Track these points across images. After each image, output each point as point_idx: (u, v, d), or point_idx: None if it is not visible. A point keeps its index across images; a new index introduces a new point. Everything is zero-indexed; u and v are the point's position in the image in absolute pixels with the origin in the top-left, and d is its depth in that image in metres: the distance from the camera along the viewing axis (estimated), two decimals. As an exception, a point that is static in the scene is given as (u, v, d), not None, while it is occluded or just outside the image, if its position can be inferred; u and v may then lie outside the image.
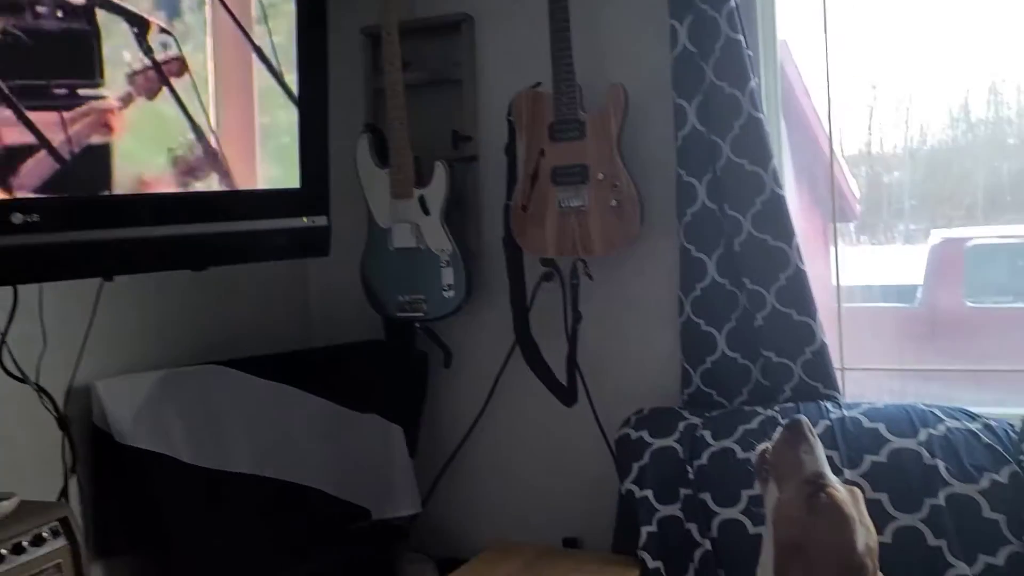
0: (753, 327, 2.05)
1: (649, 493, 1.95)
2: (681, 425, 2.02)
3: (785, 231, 2.00)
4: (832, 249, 2.20)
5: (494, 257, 2.34)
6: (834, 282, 2.17)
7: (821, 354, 2.01)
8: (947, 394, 2.08)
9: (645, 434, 2.03)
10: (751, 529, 1.82)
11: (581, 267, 2.21)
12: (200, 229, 1.64)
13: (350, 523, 2.25)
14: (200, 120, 1.68)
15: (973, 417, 1.82)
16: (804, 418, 1.38)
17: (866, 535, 1.31)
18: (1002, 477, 1.69)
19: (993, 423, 1.80)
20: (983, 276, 2.51)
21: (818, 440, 1.37)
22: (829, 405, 1.94)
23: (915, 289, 2.56)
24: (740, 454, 1.90)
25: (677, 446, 1.98)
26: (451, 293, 2.31)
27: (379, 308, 2.38)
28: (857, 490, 1.35)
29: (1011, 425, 1.79)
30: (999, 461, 1.71)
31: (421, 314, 2.35)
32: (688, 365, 2.14)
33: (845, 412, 1.89)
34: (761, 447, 1.44)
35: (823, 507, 1.30)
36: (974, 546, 1.65)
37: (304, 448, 2.19)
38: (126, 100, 1.55)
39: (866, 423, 1.85)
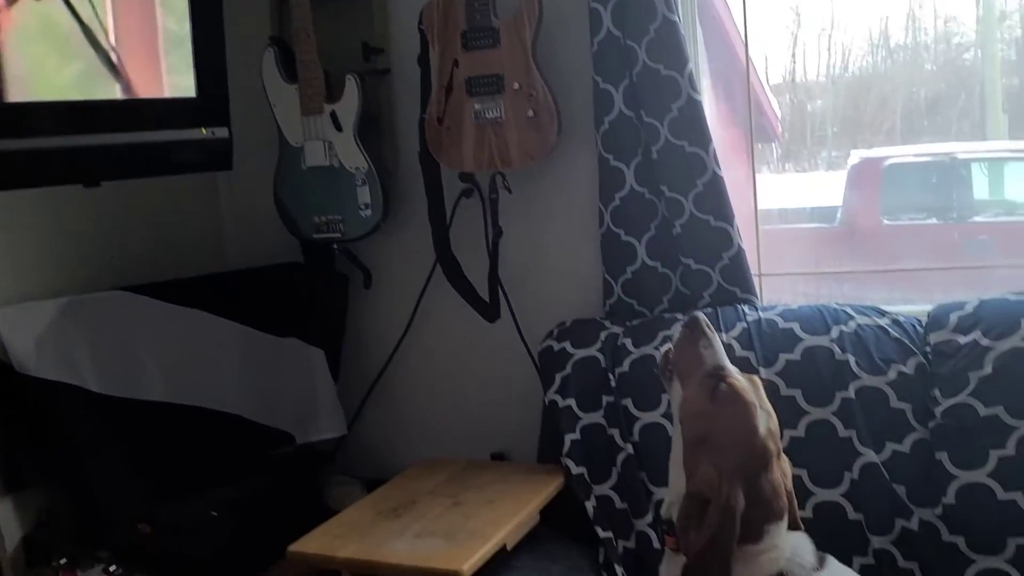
0: (672, 235, 2.06)
1: (572, 402, 1.96)
2: (603, 335, 2.03)
3: (702, 137, 1.99)
4: (751, 161, 2.21)
5: (411, 174, 2.28)
6: (752, 189, 2.19)
7: (738, 259, 2.02)
8: (860, 296, 2.13)
9: (567, 345, 2.03)
10: (670, 431, 1.85)
11: (500, 181, 2.17)
12: (91, 140, 1.55)
13: (273, 449, 2.22)
14: (93, 24, 1.57)
15: (883, 314, 1.87)
16: (701, 314, 1.40)
17: (767, 419, 1.34)
18: (908, 368, 1.74)
19: (901, 319, 1.85)
20: (899, 194, 2.57)
21: (716, 334, 1.39)
22: (746, 308, 1.97)
23: (836, 211, 2.61)
24: (645, 350, 1.93)
25: (599, 355, 1.99)
26: (368, 212, 2.26)
27: (294, 230, 2.31)
28: (756, 378, 1.39)
29: (918, 320, 1.84)
30: (906, 353, 1.77)
31: (338, 235, 2.29)
32: (609, 276, 2.14)
33: (761, 314, 1.92)
34: (664, 348, 1.45)
35: (724, 397, 1.33)
36: (882, 435, 1.71)
37: (221, 375, 2.13)
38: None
39: (781, 324, 1.88)
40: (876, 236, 2.59)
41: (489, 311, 2.25)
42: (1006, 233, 2.32)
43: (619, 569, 1.78)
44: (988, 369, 1.64)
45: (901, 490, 1.67)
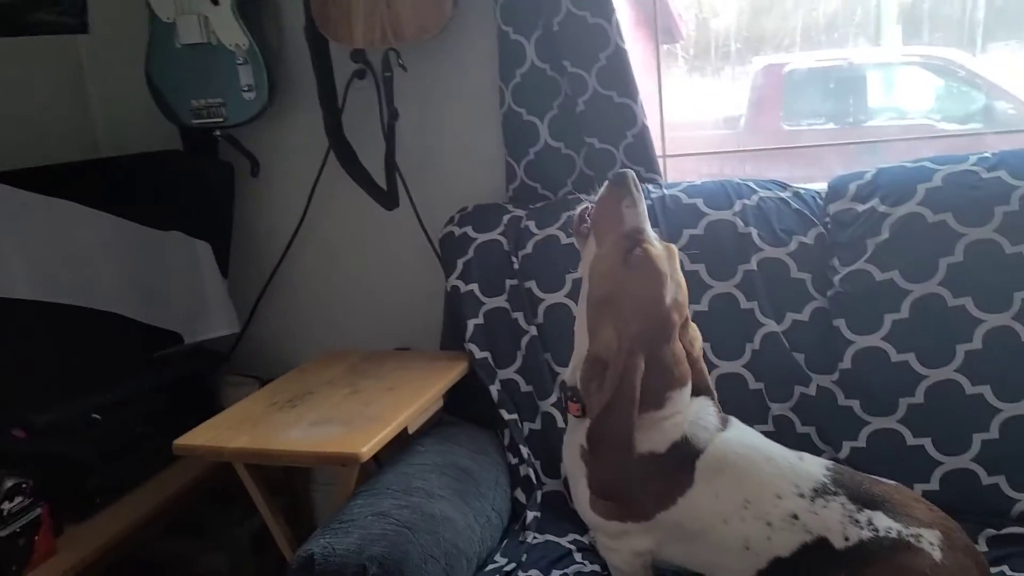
0: (575, 113, 1.98)
1: (475, 287, 1.90)
2: (506, 218, 1.96)
3: (604, 8, 1.90)
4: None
5: (298, 52, 2.12)
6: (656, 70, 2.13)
7: (642, 137, 1.97)
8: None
9: (469, 230, 1.96)
10: (575, 311, 1.81)
11: (394, 58, 2.04)
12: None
13: (159, 348, 2.09)
14: None
15: (785, 187, 1.86)
16: (631, 172, 1.34)
17: (675, 290, 1.31)
18: (808, 239, 1.74)
19: (802, 191, 1.84)
20: (799, 100, 2.56)
21: (642, 196, 1.33)
22: (650, 187, 1.92)
23: (739, 119, 2.59)
24: (564, 240, 1.87)
25: (502, 239, 1.93)
26: (252, 95, 2.10)
27: (170, 115, 2.14)
28: (673, 247, 1.34)
29: (818, 193, 1.84)
30: (807, 224, 1.77)
31: (220, 120, 2.13)
32: (512, 159, 2.06)
33: (665, 191, 1.89)
34: (584, 203, 1.39)
35: (636, 262, 1.28)
36: (783, 305, 1.72)
37: (96, 271, 1.97)
38: None
39: (684, 199, 1.85)
40: (777, 141, 2.59)
41: (387, 199, 2.14)
42: (898, 135, 2.36)
43: (524, 449, 1.76)
44: (885, 235, 1.65)
45: (800, 358, 1.69)
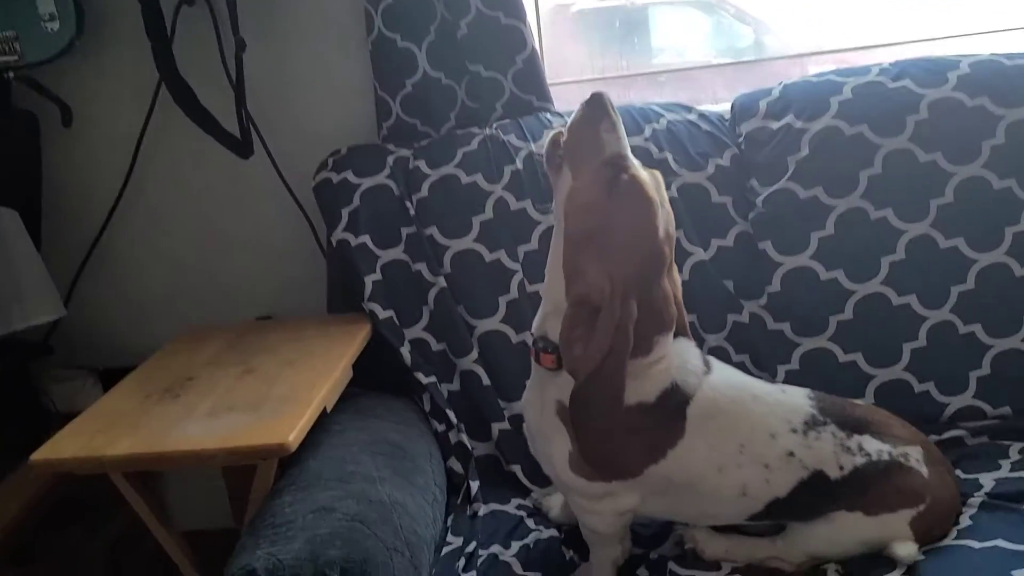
0: (456, 38, 1.77)
1: (367, 239, 1.66)
2: (390, 160, 1.73)
3: (483, -84, 1.71)
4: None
5: (111, -31, 1.75)
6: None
7: (532, 62, 1.80)
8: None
9: (350, 175, 1.71)
10: (488, 256, 1.65)
11: (237, -24, 1.73)
12: None
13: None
14: None
15: (689, 109, 1.77)
16: (605, 92, 1.17)
17: (666, 220, 1.17)
18: (725, 161, 1.68)
19: (707, 112, 1.77)
20: (588, 41, 2.50)
21: (619, 117, 1.17)
22: (549, 116, 1.77)
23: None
24: (465, 179, 1.68)
25: (390, 183, 1.70)
26: (55, 25, 1.71)
27: (-54, 52, 1.69)
28: (658, 173, 1.20)
29: (721, 115, 1.77)
30: (720, 146, 1.70)
31: (14, 57, 1.72)
32: (385, 92, 1.82)
33: (568, 120, 1.74)
34: (553, 131, 1.22)
35: (624, 189, 1.13)
36: (707, 231, 1.64)
37: None
38: None
39: (591, 127, 1.71)
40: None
41: (240, 146, 1.83)
42: (681, 75, 2.37)
43: (450, 413, 1.58)
44: (805, 151, 1.61)
45: (729, 285, 1.63)
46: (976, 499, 1.30)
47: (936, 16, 1.94)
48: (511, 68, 1.80)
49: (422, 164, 1.71)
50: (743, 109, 1.72)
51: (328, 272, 1.76)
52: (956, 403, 1.55)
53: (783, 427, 1.21)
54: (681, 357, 1.22)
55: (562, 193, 1.18)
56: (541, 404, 1.24)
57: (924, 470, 1.23)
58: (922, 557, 1.18)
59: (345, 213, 1.68)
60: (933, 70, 1.63)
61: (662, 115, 1.73)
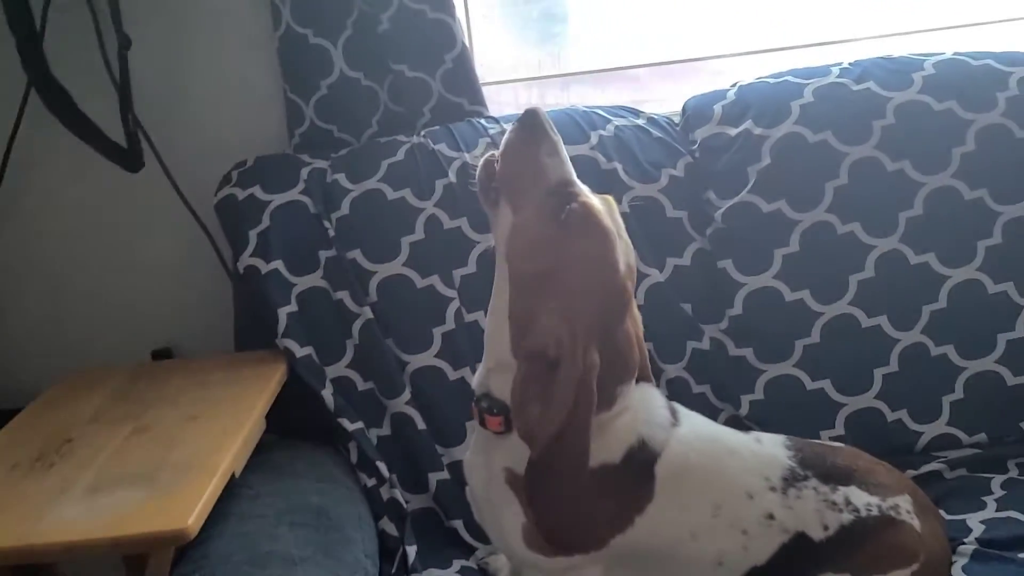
0: (377, 34, 1.58)
1: (279, 265, 1.45)
2: (305, 172, 1.53)
3: None
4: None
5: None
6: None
7: (463, 60, 1.62)
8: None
9: (258, 191, 1.50)
10: (420, 282, 1.46)
11: (117, -40, 1.49)
12: None
13: None
14: None
15: (637, 113, 1.62)
16: (539, 108, 1.00)
17: (626, 252, 1.01)
18: (678, 171, 1.53)
19: (656, 116, 1.62)
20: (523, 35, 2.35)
21: (559, 136, 1.00)
22: (484, 122, 1.59)
23: None
24: (391, 194, 1.49)
25: (305, 199, 1.50)
26: None
27: None
28: (610, 198, 1.04)
29: (669, 118, 1.63)
30: (673, 154, 1.55)
31: None
32: (296, 95, 1.61)
33: (505, 126, 1.56)
34: (484, 156, 1.04)
35: (575, 220, 0.97)
36: (662, 250, 1.49)
37: None
38: None
39: (531, 134, 1.54)
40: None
41: (128, 158, 1.59)
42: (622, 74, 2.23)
43: (381, 465, 1.39)
44: (767, 160, 1.47)
45: (688, 308, 1.48)
46: (967, 547, 1.18)
47: (866, 13, 1.84)
48: (439, 68, 1.62)
49: (341, 178, 1.51)
50: (696, 113, 1.57)
51: (235, 301, 1.55)
52: (930, 431, 1.44)
53: (761, 485, 1.07)
54: (646, 407, 1.06)
55: (502, 231, 1.00)
56: (487, 471, 1.07)
57: (916, 523, 1.11)
58: (921, 625, 1.05)
59: (253, 235, 1.47)
60: (897, 71, 1.52)
61: (608, 120, 1.57)
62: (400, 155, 1.53)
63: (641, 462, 1.03)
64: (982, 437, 1.44)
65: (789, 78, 1.55)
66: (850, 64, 1.56)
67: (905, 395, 1.44)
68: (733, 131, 1.51)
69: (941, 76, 1.50)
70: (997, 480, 1.35)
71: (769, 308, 1.46)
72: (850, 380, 1.45)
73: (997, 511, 1.27)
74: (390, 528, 1.33)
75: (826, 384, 1.45)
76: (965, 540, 1.20)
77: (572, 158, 1.40)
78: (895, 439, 1.43)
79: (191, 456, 1.14)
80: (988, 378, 1.44)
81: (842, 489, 1.09)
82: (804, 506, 1.07)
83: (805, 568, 1.07)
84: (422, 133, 1.58)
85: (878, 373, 1.44)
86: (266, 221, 1.47)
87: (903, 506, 1.11)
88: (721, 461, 1.08)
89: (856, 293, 1.45)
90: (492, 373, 1.03)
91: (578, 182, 1.01)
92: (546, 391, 0.93)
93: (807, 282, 1.45)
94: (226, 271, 1.68)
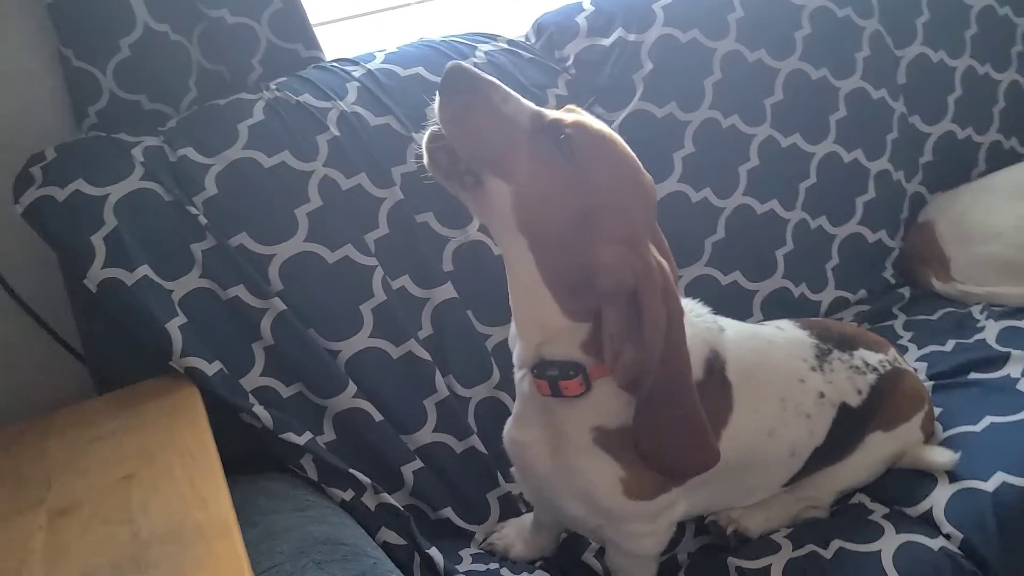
0: (184, -27, 1.28)
1: (146, 270, 1.14)
2: (137, 154, 1.21)
3: None
4: None
5: None
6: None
7: (292, 1, 1.38)
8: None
9: (83, 186, 1.16)
10: (330, 256, 1.23)
11: None
12: None
13: None
14: None
15: (494, 37, 1.51)
16: (460, 63, 0.88)
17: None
18: (561, 89, 1.46)
19: (513, 39, 1.52)
20: None
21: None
22: (339, 65, 1.38)
23: None
24: (267, 160, 1.24)
25: (152, 185, 1.19)
26: None
27: None
28: (576, 107, 0.96)
29: (522, 39, 1.54)
30: (550, 73, 1.48)
31: None
32: (85, 62, 1.26)
33: (369, 66, 1.37)
34: (426, 133, 0.88)
35: (579, 142, 0.86)
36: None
37: None
38: None
39: (402, 72, 1.37)
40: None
41: None
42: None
43: (359, 475, 1.16)
44: (649, 66, 1.45)
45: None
46: (927, 384, 1.29)
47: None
48: (265, 10, 1.36)
49: (190, 152, 1.22)
50: (559, 29, 1.50)
51: (87, 333, 1.19)
52: (825, 298, 1.56)
53: (804, 367, 1.08)
54: (698, 315, 1.01)
55: (501, 207, 0.88)
56: (557, 441, 0.94)
57: (912, 368, 1.18)
58: (958, 456, 1.13)
59: (99, 241, 1.13)
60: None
61: (473, 47, 1.45)
62: (259, 114, 1.27)
63: (718, 372, 0.98)
64: (863, 293, 1.58)
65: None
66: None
67: (802, 270, 1.54)
68: (606, 41, 1.47)
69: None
70: (896, 325, 1.49)
71: (679, 212, 1.46)
72: (758, 267, 1.51)
73: (920, 350, 1.40)
74: (392, 537, 1.12)
75: (737, 276, 1.50)
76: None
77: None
78: (803, 311, 1.52)
79: (174, 525, 0.85)
80: (855, 240, 1.59)
81: (856, 353, 1.13)
82: (838, 377, 1.09)
83: (854, 437, 1.10)
84: (272, 86, 1.32)
85: (779, 255, 1.52)
86: (111, 221, 1.14)
87: (898, 356, 1.18)
88: (768, 355, 1.06)
89: (748, 183, 1.50)
90: (544, 345, 0.91)
91: (543, 108, 0.90)
92: (632, 324, 0.84)
93: (707, 180, 1.48)
94: (23, 308, 1.29)
